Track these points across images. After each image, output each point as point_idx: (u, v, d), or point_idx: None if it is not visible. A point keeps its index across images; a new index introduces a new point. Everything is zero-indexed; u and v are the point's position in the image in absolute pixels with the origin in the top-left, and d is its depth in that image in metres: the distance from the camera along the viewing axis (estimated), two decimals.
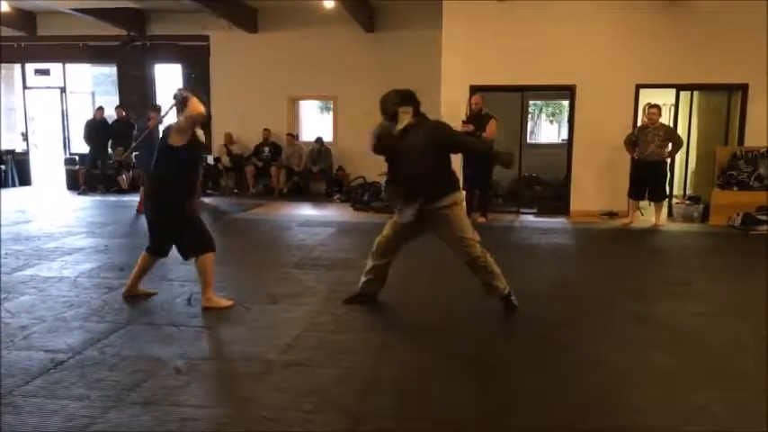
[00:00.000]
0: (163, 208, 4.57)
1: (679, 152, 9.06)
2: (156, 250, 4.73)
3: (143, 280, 4.86)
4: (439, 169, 4.40)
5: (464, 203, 4.56)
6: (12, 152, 13.30)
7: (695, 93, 9.73)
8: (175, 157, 4.43)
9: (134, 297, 4.77)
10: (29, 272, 5.61)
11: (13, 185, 12.94)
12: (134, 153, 10.02)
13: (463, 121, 8.74)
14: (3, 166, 12.90)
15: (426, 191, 4.32)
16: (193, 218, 4.59)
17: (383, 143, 4.41)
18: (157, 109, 9.39)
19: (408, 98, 4.49)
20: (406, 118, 4.40)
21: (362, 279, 4.73)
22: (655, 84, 9.38)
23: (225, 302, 4.61)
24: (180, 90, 4.55)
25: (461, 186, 8.84)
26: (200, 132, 4.54)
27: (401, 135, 4.39)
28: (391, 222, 4.59)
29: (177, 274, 5.48)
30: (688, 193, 9.98)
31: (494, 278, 4.43)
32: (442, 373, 3.51)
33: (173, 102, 4.52)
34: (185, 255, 4.62)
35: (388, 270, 4.68)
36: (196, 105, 4.36)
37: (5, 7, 11.15)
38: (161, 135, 4.72)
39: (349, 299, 4.73)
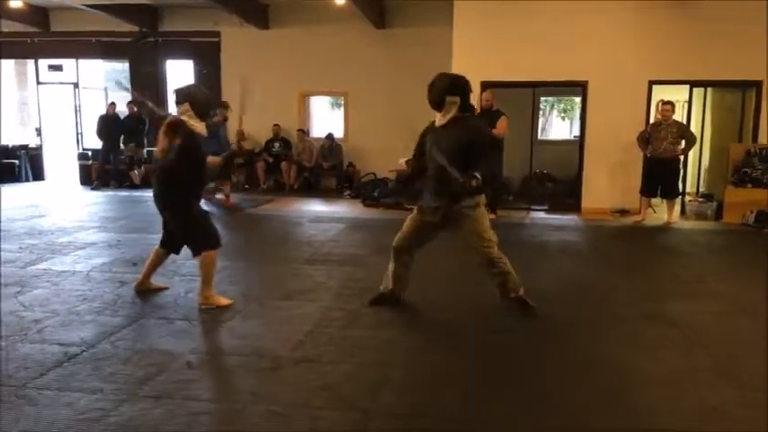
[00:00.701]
0: (168, 208, 4.52)
1: (692, 149, 8.99)
2: (167, 246, 4.73)
3: (155, 274, 4.88)
4: (466, 170, 4.15)
5: (484, 204, 4.39)
6: (25, 147, 13.41)
7: (709, 89, 9.65)
8: (170, 158, 4.33)
9: (146, 291, 4.80)
10: (42, 266, 5.66)
11: (27, 180, 13.04)
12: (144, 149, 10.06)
13: None
14: (16, 161, 13.01)
15: (453, 192, 4.12)
16: (197, 217, 4.50)
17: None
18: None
19: (458, 87, 4.17)
20: (452, 109, 4.14)
21: (385, 281, 4.62)
22: (668, 80, 9.31)
23: (224, 301, 4.54)
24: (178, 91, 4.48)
25: None
26: (199, 127, 4.37)
27: (441, 127, 4.18)
28: (411, 217, 4.47)
29: (190, 270, 5.50)
30: (701, 190, 9.91)
31: (508, 279, 4.36)
32: (452, 370, 3.51)
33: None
34: (193, 253, 4.54)
35: (409, 271, 4.56)
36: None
37: (19, 3, 11.22)
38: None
39: (374, 300, 4.62)
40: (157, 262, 4.81)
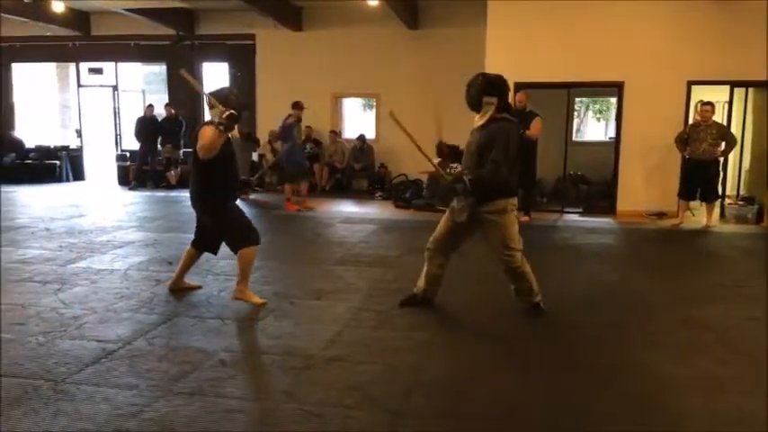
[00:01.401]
0: (202, 210, 4.63)
1: (732, 151, 8.77)
2: (200, 245, 4.80)
3: (189, 273, 4.96)
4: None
5: (515, 210, 4.33)
6: (66, 148, 13.77)
7: (750, 90, 9.39)
8: (199, 161, 4.42)
9: (179, 290, 4.88)
10: (82, 264, 5.80)
11: (68, 180, 13.39)
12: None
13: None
14: (58, 162, 13.37)
15: (476, 193, 4.12)
16: (233, 215, 4.58)
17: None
18: (299, 106, 9.49)
19: (495, 87, 4.10)
20: (489, 110, 4.09)
21: (419, 282, 4.60)
22: (707, 80, 9.09)
23: (257, 299, 4.61)
24: (210, 96, 4.51)
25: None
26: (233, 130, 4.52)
27: (479, 129, 4.14)
28: (445, 218, 4.45)
29: (223, 269, 5.59)
30: (741, 193, 9.64)
31: (523, 288, 4.34)
32: (483, 373, 3.49)
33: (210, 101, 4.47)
34: (233, 250, 4.64)
35: (443, 272, 4.53)
36: (205, 135, 4.29)
37: (61, 8, 11.53)
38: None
39: (405, 301, 4.61)
40: (190, 262, 4.89)
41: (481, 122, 4.15)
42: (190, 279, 5.00)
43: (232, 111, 4.22)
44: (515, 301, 4.47)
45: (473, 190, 4.08)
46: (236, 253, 4.59)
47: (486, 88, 4.07)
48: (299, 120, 9.54)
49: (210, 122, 4.41)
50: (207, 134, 4.28)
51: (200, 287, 4.97)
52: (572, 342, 3.98)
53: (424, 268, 4.54)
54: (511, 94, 8.83)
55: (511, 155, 4.13)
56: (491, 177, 4.08)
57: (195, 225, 4.82)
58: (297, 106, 9.47)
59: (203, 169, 4.44)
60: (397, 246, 7.09)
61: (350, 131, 12.92)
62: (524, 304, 4.42)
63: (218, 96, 4.47)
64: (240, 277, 4.58)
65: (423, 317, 4.41)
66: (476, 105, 4.14)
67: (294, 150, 9.33)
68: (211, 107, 4.46)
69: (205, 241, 4.77)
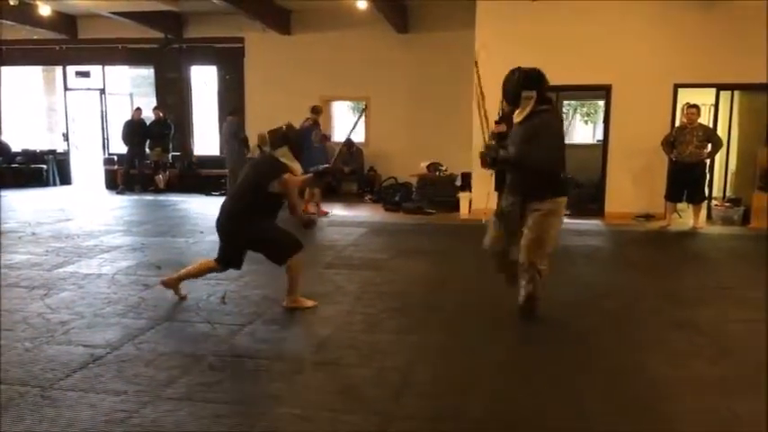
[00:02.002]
0: (236, 232, 4.58)
1: (718, 153, 8.84)
2: (225, 262, 4.69)
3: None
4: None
5: (563, 212, 4.20)
6: (53, 152, 13.67)
7: (736, 92, 9.48)
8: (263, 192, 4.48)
9: (168, 289, 4.79)
10: (69, 269, 5.75)
11: (55, 185, 13.29)
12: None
13: (496, 122, 8.67)
14: (44, 166, 13.27)
15: (524, 189, 4.05)
16: (267, 229, 4.54)
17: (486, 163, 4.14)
18: (317, 110, 9.49)
19: (533, 80, 4.02)
20: (528, 104, 4.01)
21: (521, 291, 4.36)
22: (694, 83, 9.17)
23: (309, 303, 4.66)
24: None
25: (496, 187, 8.94)
26: (295, 166, 4.55)
27: (519, 124, 4.06)
28: (493, 221, 4.37)
29: (213, 274, 5.55)
30: (728, 195, 9.73)
31: (532, 287, 4.24)
32: (474, 375, 3.49)
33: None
34: (278, 263, 4.58)
35: (512, 266, 4.35)
36: (293, 181, 4.46)
37: (48, 11, 11.45)
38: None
39: (523, 309, 4.33)
40: (203, 272, 4.80)
41: (520, 118, 4.08)
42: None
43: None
44: (506, 284, 4.47)
45: (499, 164, 4.08)
46: (281, 265, 4.56)
47: (525, 82, 4.01)
48: (315, 123, 9.48)
49: (279, 162, 4.49)
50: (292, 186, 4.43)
51: (185, 298, 4.81)
52: (563, 344, 3.99)
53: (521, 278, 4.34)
54: (500, 97, 9.01)
55: (554, 147, 4.04)
56: (528, 160, 3.98)
57: (223, 245, 4.68)
58: (314, 110, 9.51)
59: (261, 197, 4.45)
60: (387, 249, 7.09)
61: (339, 135, 12.90)
62: (518, 295, 4.32)
63: (279, 137, 4.64)
64: (291, 286, 4.58)
65: (412, 319, 4.41)
66: (514, 100, 4.08)
67: (311, 154, 9.32)
68: (266, 145, 4.72)
69: (230, 260, 4.67)
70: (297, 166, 4.56)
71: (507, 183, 4.28)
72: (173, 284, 4.82)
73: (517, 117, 4.12)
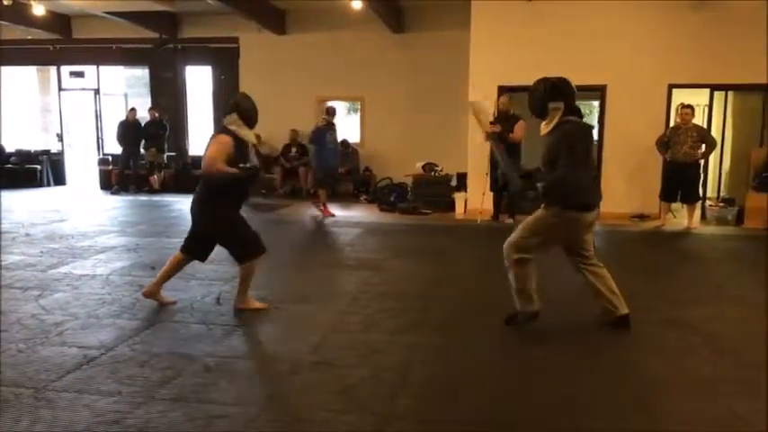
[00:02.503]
0: (203, 219, 4.46)
1: (713, 153, 8.88)
2: (191, 251, 4.58)
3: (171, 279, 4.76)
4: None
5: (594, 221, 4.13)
6: (47, 152, 13.61)
7: (730, 93, 9.52)
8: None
9: (153, 299, 4.65)
10: (63, 269, 5.72)
11: (48, 185, 13.24)
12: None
13: (491, 122, 8.68)
14: (38, 167, 13.21)
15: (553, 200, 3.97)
16: (233, 225, 4.41)
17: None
18: (331, 111, 9.43)
19: (559, 90, 3.93)
20: (556, 115, 3.93)
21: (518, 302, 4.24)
22: (688, 84, 9.21)
23: (258, 304, 4.60)
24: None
25: (491, 188, 8.95)
26: (246, 133, 4.40)
27: (547, 135, 4.00)
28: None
29: (207, 274, 5.55)
30: (722, 195, 9.77)
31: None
32: (471, 375, 3.48)
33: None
34: (238, 261, 4.48)
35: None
36: (214, 152, 4.25)
37: (42, 11, 11.40)
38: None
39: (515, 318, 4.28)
40: (176, 269, 4.65)
41: (547, 129, 4.01)
42: (174, 284, 4.91)
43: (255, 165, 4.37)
44: (510, 302, 4.31)
45: (546, 197, 3.96)
46: (240, 264, 4.47)
47: (551, 93, 3.93)
48: (329, 124, 9.41)
49: (225, 131, 4.34)
50: (215, 152, 4.21)
51: (174, 303, 4.67)
52: (559, 344, 3.99)
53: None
54: (495, 97, 9.03)
55: (579, 158, 3.92)
56: (559, 184, 3.91)
57: (190, 230, 4.58)
58: (329, 111, 9.49)
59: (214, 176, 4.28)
60: (383, 249, 7.09)
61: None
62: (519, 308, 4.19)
63: (231, 104, 4.46)
64: (242, 287, 4.51)
65: (409, 320, 4.41)
66: (541, 112, 4.01)
67: (325, 155, 9.29)
68: (224, 114, 4.47)
69: (197, 248, 4.56)
70: (246, 133, 4.39)
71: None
72: (154, 291, 4.63)
73: (543, 130, 4.06)
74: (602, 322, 4.28)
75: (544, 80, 4.01)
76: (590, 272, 4.21)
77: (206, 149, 4.33)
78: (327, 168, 9.51)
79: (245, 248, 4.42)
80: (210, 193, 4.34)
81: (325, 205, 9.50)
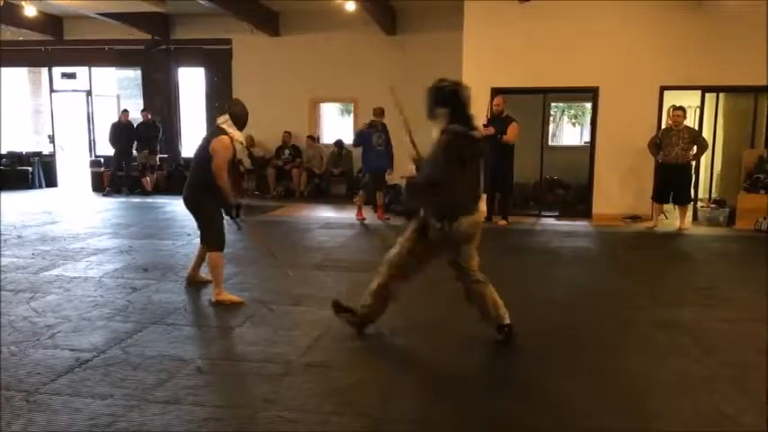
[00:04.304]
0: (192, 204, 4.93)
1: (704, 155, 8.93)
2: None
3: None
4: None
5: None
6: (39, 154, 13.55)
7: (721, 95, 9.58)
8: (202, 162, 4.80)
9: (195, 283, 5.18)
10: (55, 272, 5.70)
11: (40, 187, 13.17)
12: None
13: (484, 124, 8.71)
14: (30, 168, 13.14)
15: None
16: (206, 214, 4.85)
17: None
18: (378, 112, 9.17)
19: (443, 97, 3.91)
20: (442, 121, 3.90)
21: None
22: (679, 86, 9.26)
23: (235, 298, 4.79)
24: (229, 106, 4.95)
25: (485, 189, 8.96)
26: (236, 134, 4.83)
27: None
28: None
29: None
30: (713, 196, 9.83)
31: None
32: (463, 377, 3.49)
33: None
34: (207, 248, 4.95)
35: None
36: (223, 156, 4.72)
37: (33, 12, 11.35)
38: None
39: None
40: (202, 257, 5.13)
41: (437, 134, 3.95)
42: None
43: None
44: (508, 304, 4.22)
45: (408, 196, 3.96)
46: (207, 251, 4.90)
47: (436, 99, 3.90)
48: (371, 126, 9.12)
49: (223, 132, 4.76)
50: (223, 156, 4.69)
51: (210, 281, 5.03)
52: (550, 344, 4.01)
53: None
54: (488, 99, 9.04)
55: (443, 169, 3.81)
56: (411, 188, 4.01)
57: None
58: (376, 112, 9.17)
59: (206, 169, 4.71)
60: (376, 251, 7.07)
61: (328, 137, 12.90)
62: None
63: (225, 107, 4.99)
64: (214, 282, 4.82)
65: (401, 322, 4.41)
66: (430, 116, 3.99)
67: (369, 157, 9.07)
68: (218, 114, 4.99)
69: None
70: (235, 133, 4.81)
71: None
72: (194, 276, 5.22)
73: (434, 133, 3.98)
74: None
75: (434, 83, 3.96)
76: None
77: (202, 147, 4.82)
78: (372, 170, 9.16)
79: (219, 237, 4.85)
80: (205, 185, 4.76)
81: (360, 209, 9.33)
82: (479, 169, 4.17)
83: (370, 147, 8.99)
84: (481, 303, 3.92)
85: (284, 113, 12.24)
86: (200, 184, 4.79)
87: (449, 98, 3.88)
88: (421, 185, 3.94)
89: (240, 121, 4.88)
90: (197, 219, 4.94)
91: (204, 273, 5.18)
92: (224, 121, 4.82)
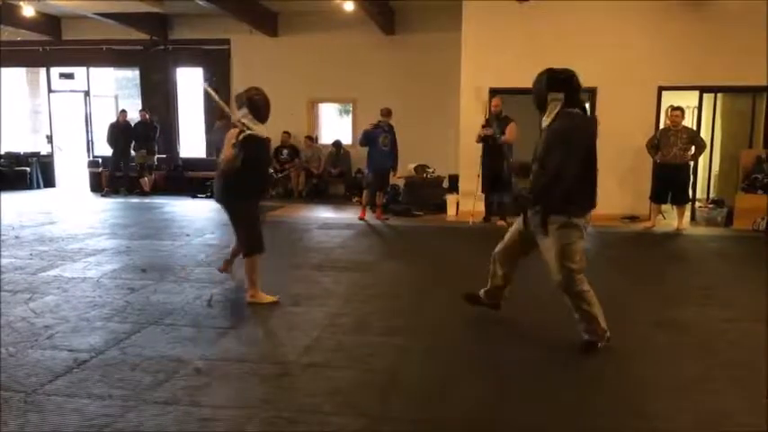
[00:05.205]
0: (224, 206, 4.76)
1: (702, 155, 8.94)
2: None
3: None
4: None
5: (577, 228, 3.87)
6: (36, 154, 13.53)
7: (719, 95, 9.59)
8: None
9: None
10: (53, 272, 5.69)
11: (38, 187, 13.15)
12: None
13: (483, 125, 8.72)
14: (28, 169, 13.12)
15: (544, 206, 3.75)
16: (244, 218, 4.69)
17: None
18: (385, 112, 9.20)
19: (559, 80, 3.72)
20: (555, 107, 3.72)
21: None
22: (678, 86, 9.28)
23: (269, 298, 4.75)
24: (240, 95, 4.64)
25: (482, 189, 8.97)
26: (258, 128, 4.53)
27: (546, 129, 3.81)
28: (514, 227, 4.17)
29: (199, 276, 5.54)
30: (711, 196, 9.84)
31: (584, 311, 3.89)
32: (462, 377, 3.49)
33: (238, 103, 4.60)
34: (243, 254, 4.82)
35: (508, 282, 4.30)
36: (228, 147, 4.45)
37: (31, 12, 11.34)
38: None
39: (469, 297, 4.47)
40: (234, 252, 5.13)
41: (547, 122, 3.80)
42: (167, 288, 4.92)
43: (250, 133, 4.41)
44: (507, 304, 4.36)
45: (536, 205, 3.75)
46: (244, 257, 4.76)
47: (550, 84, 3.72)
48: (377, 126, 9.17)
49: (235, 124, 4.53)
50: (228, 147, 4.41)
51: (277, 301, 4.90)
52: (550, 346, 4.01)
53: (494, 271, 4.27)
54: (486, 99, 9.05)
55: (574, 159, 3.69)
56: (543, 191, 3.71)
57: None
58: (383, 112, 9.23)
59: (225, 171, 4.53)
60: (375, 251, 7.09)
61: (326, 137, 12.90)
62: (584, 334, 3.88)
63: (244, 97, 4.59)
64: (249, 282, 4.74)
65: (400, 322, 4.41)
66: (541, 104, 3.80)
67: (374, 157, 9.12)
68: (237, 108, 4.60)
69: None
70: (257, 128, 4.53)
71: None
72: (227, 267, 5.25)
73: (544, 122, 3.90)
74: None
75: (546, 70, 3.86)
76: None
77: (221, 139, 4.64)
78: (376, 170, 9.22)
79: (255, 241, 4.70)
80: (226, 182, 4.58)
81: (364, 209, 9.41)
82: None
83: (375, 147, 9.05)
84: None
85: (283, 114, 12.14)
86: (228, 188, 4.61)
87: (565, 82, 3.74)
88: (553, 174, 3.68)
89: (261, 113, 4.51)
90: (231, 222, 4.78)
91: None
92: (243, 115, 4.49)
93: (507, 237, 4.17)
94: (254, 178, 4.62)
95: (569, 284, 3.82)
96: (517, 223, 4.10)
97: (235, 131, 4.46)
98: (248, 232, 4.70)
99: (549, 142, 3.73)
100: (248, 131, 4.43)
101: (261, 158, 4.70)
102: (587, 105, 10.49)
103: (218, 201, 4.77)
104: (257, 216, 4.77)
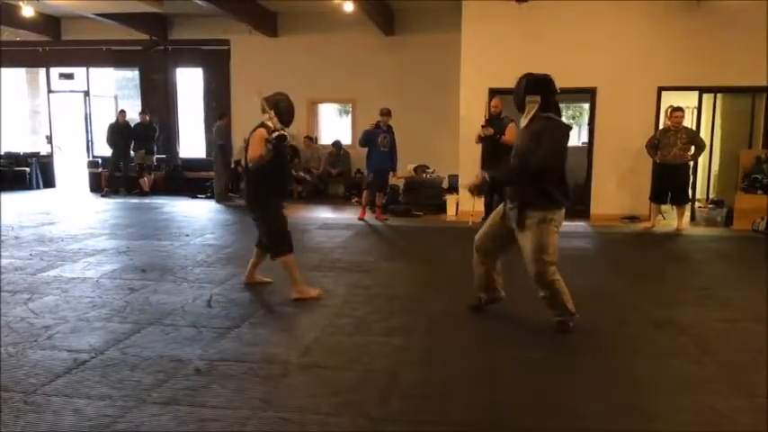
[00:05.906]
0: (252, 209, 4.93)
1: (702, 155, 8.94)
2: (262, 246, 5.07)
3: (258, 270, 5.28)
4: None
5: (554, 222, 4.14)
6: (36, 155, 13.52)
7: (718, 95, 9.59)
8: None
9: (253, 285, 5.21)
10: (53, 273, 5.69)
11: (38, 187, 13.15)
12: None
13: (482, 125, 8.71)
14: (27, 169, 13.12)
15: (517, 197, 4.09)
16: (276, 217, 4.82)
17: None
18: (384, 113, 9.23)
19: (536, 85, 4.06)
20: (532, 109, 4.05)
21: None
22: (677, 86, 9.28)
23: (314, 292, 4.90)
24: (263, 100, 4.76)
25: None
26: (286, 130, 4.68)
27: (524, 128, 4.10)
28: (492, 217, 4.45)
29: (198, 277, 5.54)
30: (711, 196, 9.85)
31: (555, 298, 4.17)
32: (462, 377, 3.49)
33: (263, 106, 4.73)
34: (270, 256, 4.95)
35: (493, 275, 4.48)
36: (255, 147, 4.61)
37: (31, 12, 11.33)
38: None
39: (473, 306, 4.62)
40: (257, 260, 5.19)
41: (524, 123, 4.14)
42: (166, 288, 4.92)
43: (282, 132, 4.55)
44: (504, 305, 4.53)
45: (494, 186, 4.20)
46: (272, 259, 4.90)
47: (528, 87, 4.05)
48: (376, 127, 9.20)
49: (262, 125, 4.67)
50: (256, 147, 4.58)
51: (271, 282, 5.22)
52: (548, 346, 4.01)
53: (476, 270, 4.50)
54: (486, 99, 9.05)
55: (557, 157, 4.06)
56: (507, 177, 4.15)
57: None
58: (382, 113, 9.26)
59: (254, 170, 4.68)
60: (374, 251, 7.09)
61: (326, 137, 12.90)
62: (553, 315, 4.23)
63: (271, 102, 4.76)
64: (291, 281, 4.87)
65: (399, 322, 4.41)
66: (520, 106, 4.12)
67: (373, 157, 9.15)
68: (263, 111, 4.73)
69: (262, 241, 5.05)
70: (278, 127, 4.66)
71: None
72: (250, 278, 5.24)
73: (522, 121, 4.19)
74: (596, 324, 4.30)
75: (525, 75, 4.14)
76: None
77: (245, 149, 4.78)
78: (375, 170, 9.25)
79: (282, 241, 4.83)
80: (257, 183, 4.75)
81: (363, 209, 9.42)
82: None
83: (375, 147, 9.06)
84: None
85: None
86: (259, 189, 4.76)
87: (542, 86, 4.06)
88: (534, 171, 3.99)
89: (285, 118, 4.75)
90: (262, 224, 4.90)
91: (261, 274, 5.28)
92: (268, 118, 4.70)
93: (487, 223, 4.43)
94: (282, 178, 4.84)
95: (543, 275, 4.12)
96: (496, 212, 4.41)
97: (263, 131, 4.62)
98: (280, 232, 4.84)
99: (531, 140, 4.01)
100: (281, 130, 4.59)
101: (286, 159, 4.92)
102: (587, 105, 10.51)
103: (252, 203, 4.88)
104: (285, 216, 4.91)
